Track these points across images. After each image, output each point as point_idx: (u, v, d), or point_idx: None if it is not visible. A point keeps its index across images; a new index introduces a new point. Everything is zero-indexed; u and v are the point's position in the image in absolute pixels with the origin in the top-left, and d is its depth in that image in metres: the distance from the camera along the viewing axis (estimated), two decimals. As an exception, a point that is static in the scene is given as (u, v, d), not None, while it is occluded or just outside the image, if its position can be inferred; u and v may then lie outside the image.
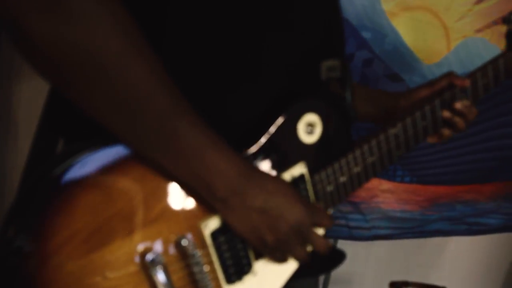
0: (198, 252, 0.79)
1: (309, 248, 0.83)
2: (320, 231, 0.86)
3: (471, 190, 2.06)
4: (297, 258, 0.83)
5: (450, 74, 1.02)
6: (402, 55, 1.76)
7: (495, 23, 1.76)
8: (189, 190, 0.78)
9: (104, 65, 0.66)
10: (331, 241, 2.17)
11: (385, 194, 2.02)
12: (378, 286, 2.05)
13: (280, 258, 0.83)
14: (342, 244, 2.13)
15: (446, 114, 0.99)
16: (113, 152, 0.74)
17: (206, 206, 0.79)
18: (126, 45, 0.67)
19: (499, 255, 2.46)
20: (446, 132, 1.03)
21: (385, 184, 2.00)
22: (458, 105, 0.99)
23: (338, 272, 2.17)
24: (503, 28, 1.07)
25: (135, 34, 0.68)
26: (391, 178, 1.97)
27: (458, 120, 1.01)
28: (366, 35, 1.71)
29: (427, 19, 1.73)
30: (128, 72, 0.67)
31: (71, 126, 0.82)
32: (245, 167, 0.78)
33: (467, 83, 1.00)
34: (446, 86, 1.02)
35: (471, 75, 1.01)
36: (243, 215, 0.77)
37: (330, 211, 0.92)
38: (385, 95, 1.13)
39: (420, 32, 1.74)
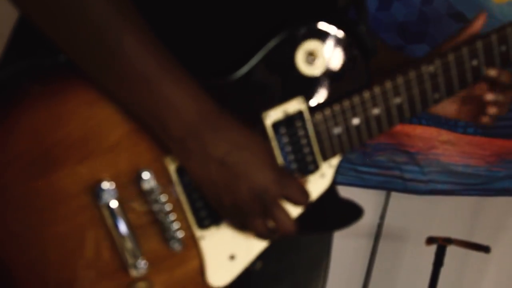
0: (160, 188, 0.70)
1: (271, 224, 0.70)
2: (294, 212, 0.72)
3: (546, 146, 1.90)
4: (254, 231, 0.70)
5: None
6: (468, -8, 1.61)
7: None
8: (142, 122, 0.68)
9: None
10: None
11: (445, 146, 1.88)
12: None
13: (238, 225, 0.72)
14: (395, 197, 2.01)
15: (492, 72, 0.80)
16: (62, 72, 0.66)
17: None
18: None
19: None
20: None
21: (445, 135, 1.85)
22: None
23: (388, 226, 2.07)
24: None
25: None
26: (452, 128, 1.82)
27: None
28: (425, -33, 1.56)
29: (498, -51, 1.56)
30: None
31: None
32: (210, 106, 0.66)
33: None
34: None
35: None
36: (201, 163, 0.66)
37: (338, 159, 0.80)
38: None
39: (490, -36, 1.59)
